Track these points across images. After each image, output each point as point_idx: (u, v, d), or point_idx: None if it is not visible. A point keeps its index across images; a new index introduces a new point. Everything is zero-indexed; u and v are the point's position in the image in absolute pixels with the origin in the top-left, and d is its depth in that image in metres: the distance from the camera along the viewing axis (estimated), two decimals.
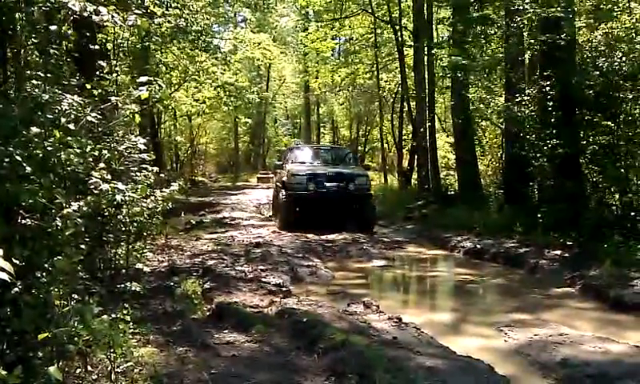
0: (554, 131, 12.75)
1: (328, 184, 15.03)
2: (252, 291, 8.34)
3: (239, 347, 5.70)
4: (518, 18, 14.29)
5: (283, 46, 37.76)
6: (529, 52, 14.83)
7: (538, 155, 13.14)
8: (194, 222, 14.37)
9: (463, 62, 15.35)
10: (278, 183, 16.60)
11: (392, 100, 30.25)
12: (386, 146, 34.65)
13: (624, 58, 12.14)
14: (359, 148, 44.44)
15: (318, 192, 14.88)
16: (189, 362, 5.03)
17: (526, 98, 13.76)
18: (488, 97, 18.18)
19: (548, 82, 12.83)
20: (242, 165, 41.02)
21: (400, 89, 25.82)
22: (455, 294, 9.07)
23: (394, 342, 6.11)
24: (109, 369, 4.45)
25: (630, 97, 12.36)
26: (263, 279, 9.09)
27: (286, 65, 42.06)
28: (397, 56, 24.80)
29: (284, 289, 8.68)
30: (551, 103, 12.82)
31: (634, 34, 12.65)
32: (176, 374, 4.70)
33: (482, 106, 17.78)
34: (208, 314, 7.11)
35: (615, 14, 13.01)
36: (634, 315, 7.79)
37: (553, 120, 12.89)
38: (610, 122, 12.53)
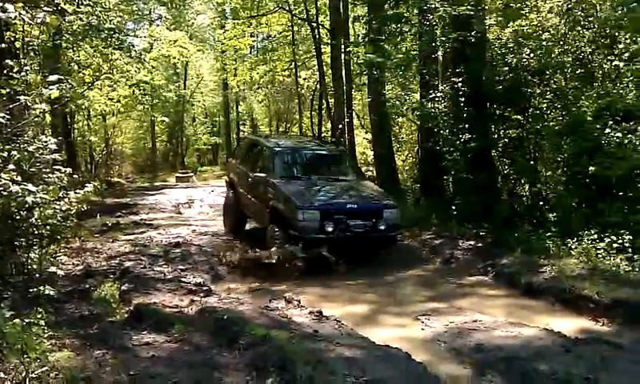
0: (467, 126, 13.16)
1: (352, 223, 10.46)
2: (171, 291, 8.26)
3: (159, 347, 5.64)
4: (431, 16, 14.64)
5: (200, 44, 37.18)
6: (441, 49, 15.19)
7: (452, 149, 13.51)
8: (110, 224, 14.02)
9: (378, 59, 15.57)
10: (253, 197, 12.30)
11: (311, 97, 30.40)
12: None
13: (531, 55, 12.67)
14: None
15: (339, 237, 10.32)
16: (106, 365, 4.94)
17: (439, 94, 14.13)
18: (403, 93, 18.55)
19: (460, 79, 13.21)
20: (160, 165, 40.24)
21: (318, 86, 25.99)
22: (374, 286, 9.23)
23: (315, 335, 6.20)
24: (23, 374, 4.33)
25: (538, 91, 12.93)
26: (183, 279, 9.01)
27: (203, 63, 41.55)
28: (314, 53, 24.94)
29: (204, 288, 8.62)
30: (463, 99, 13.20)
31: (540, 32, 13.21)
32: (93, 377, 4.61)
33: (397, 102, 18.12)
34: (126, 316, 6.99)
35: (524, 12, 13.51)
36: (544, 300, 8.18)
37: (465, 115, 13.29)
38: (519, 116, 13.07)
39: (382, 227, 10.60)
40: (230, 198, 13.95)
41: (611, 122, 10.59)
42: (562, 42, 13.12)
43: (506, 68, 12.67)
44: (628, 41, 12.30)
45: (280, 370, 4.95)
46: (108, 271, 9.31)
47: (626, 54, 11.95)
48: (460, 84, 13.22)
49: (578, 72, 12.70)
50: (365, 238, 10.59)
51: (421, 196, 16.15)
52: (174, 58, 29.18)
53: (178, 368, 5.03)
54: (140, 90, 24.10)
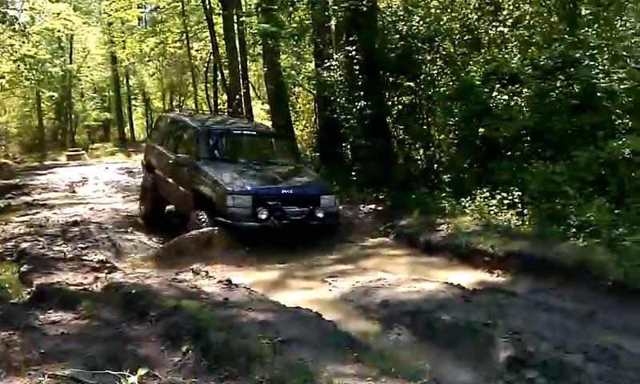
0: (362, 94, 13.46)
1: (288, 210, 9.64)
2: (74, 270, 8.05)
3: (67, 325, 5.53)
4: None
5: (86, 16, 35.70)
6: (334, 18, 15.36)
7: (349, 117, 13.79)
8: (1, 206, 13.41)
9: (272, 29, 15.59)
10: (174, 181, 11.27)
11: (205, 69, 29.96)
12: None
13: (421, 22, 13.06)
14: None
15: (274, 225, 9.47)
16: (14, 345, 4.81)
17: (333, 63, 14.33)
18: (299, 63, 18.68)
19: (353, 47, 13.46)
20: (49, 143, 38.48)
21: (212, 57, 25.64)
22: (277, 253, 9.34)
23: (226, 302, 6.27)
24: None
25: (429, 58, 13.37)
26: (85, 257, 8.80)
27: (89, 36, 39.85)
28: (207, 24, 24.55)
29: (108, 264, 8.46)
30: (357, 67, 13.47)
31: (429, 0, 13.65)
32: (2, 358, 4.48)
33: (293, 72, 18.21)
34: (29, 296, 6.77)
35: None
36: (442, 256, 8.64)
37: (360, 83, 13.59)
38: (411, 83, 13.47)
39: (320, 215, 9.79)
40: (147, 182, 12.79)
41: (498, 86, 11.15)
42: (449, 10, 13.65)
43: (397, 36, 13.02)
44: (511, 7, 12.94)
45: (194, 337, 4.98)
46: (4, 254, 8.96)
47: (510, 21, 12.57)
48: (354, 52, 13.46)
49: (465, 38, 13.24)
50: (302, 225, 9.73)
51: (321, 164, 16.37)
52: (58, 31, 27.93)
53: (91, 343, 4.95)
54: (25, 65, 22.95)
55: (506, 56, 12.08)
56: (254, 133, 12.47)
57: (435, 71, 13.35)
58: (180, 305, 5.80)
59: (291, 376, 4.15)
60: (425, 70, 13.33)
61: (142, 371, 3.75)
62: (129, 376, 3.60)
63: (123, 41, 35.08)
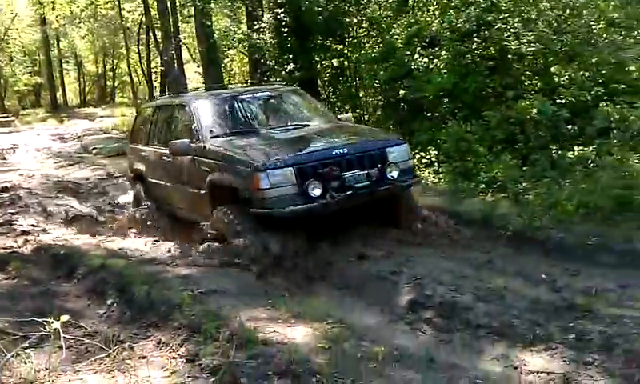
0: (291, 56, 13.72)
1: (349, 177, 6.83)
2: (3, 234, 8.22)
3: None
4: None
5: None
6: None
7: (279, 80, 14.03)
8: None
9: None
10: (178, 183, 8.20)
11: (137, 31, 29.56)
12: (135, 79, 33.95)
13: None
14: (108, 83, 42.90)
15: (334, 200, 6.61)
16: None
17: (263, 25, 14.52)
18: (232, 25, 18.74)
19: (282, 10, 13.67)
20: None
21: (144, 18, 25.35)
22: None
23: (152, 259, 6.59)
24: None
25: (355, 21, 13.73)
26: (15, 222, 8.92)
27: None
28: None
29: (38, 228, 8.62)
30: (286, 29, 13.72)
31: None
32: None
33: (224, 33, 18.28)
34: None
35: None
36: None
37: (289, 45, 13.84)
38: (339, 46, 13.82)
39: (395, 173, 7.00)
40: (140, 198, 9.44)
41: (419, 49, 11.62)
42: None
43: None
44: None
45: (119, 291, 5.32)
46: None
47: None
48: (282, 15, 13.68)
49: (390, 1, 13.63)
50: (372, 193, 6.94)
51: None
52: None
53: (19, 300, 5.24)
54: None
55: (428, 19, 12.53)
56: (270, 93, 9.23)
57: (362, 34, 13.72)
58: (106, 263, 6.10)
59: (207, 321, 4.54)
60: (352, 33, 13.70)
61: (64, 318, 4.05)
62: (52, 322, 3.89)
63: (52, 1, 34.14)
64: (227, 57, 20.49)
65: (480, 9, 10.47)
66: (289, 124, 8.20)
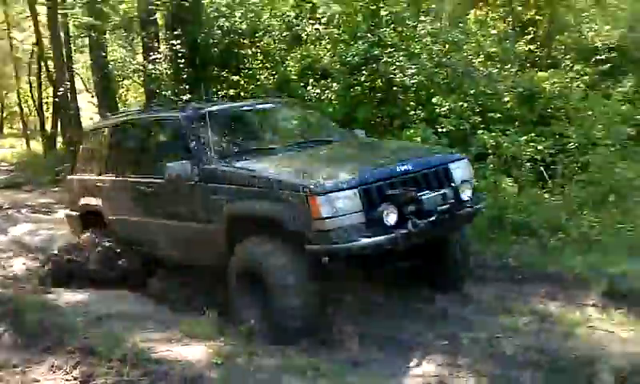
0: (187, 87, 13.85)
1: (427, 198, 5.48)
2: None
3: None
4: None
5: None
6: (159, 12, 15.57)
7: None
8: None
9: (95, 22, 15.57)
10: (169, 219, 6.62)
11: (28, 61, 28.71)
12: (26, 109, 32.92)
13: (242, 19, 13.71)
14: None
15: (417, 228, 5.23)
16: None
17: (159, 56, 14.59)
18: (127, 55, 18.61)
19: (178, 41, 13.82)
20: None
21: (36, 48, 24.72)
22: None
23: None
24: None
25: (250, 53, 14.05)
26: None
27: None
28: (30, 14, 23.65)
29: None
30: (183, 61, 13.86)
31: None
32: None
33: (120, 64, 18.16)
34: None
35: None
36: None
37: (186, 76, 13.97)
38: (235, 77, 14.08)
39: (468, 193, 5.79)
40: (98, 248, 7.40)
41: (312, 80, 12.07)
42: (269, 7, 14.40)
43: (220, 31, 13.58)
44: (326, 6, 13.91)
45: (12, 319, 5.34)
46: None
47: (324, 19, 13.53)
48: (179, 46, 13.83)
49: (284, 35, 14.06)
50: (452, 219, 5.60)
51: None
52: None
53: None
54: None
55: (320, 52, 13.02)
56: (270, 106, 7.91)
57: (257, 66, 14.04)
58: None
59: (101, 343, 4.64)
60: (247, 64, 14.00)
61: None
62: None
63: None
64: (122, 87, 20.31)
65: (367, 43, 11.03)
66: (308, 140, 6.94)
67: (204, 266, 6.44)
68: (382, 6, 11.60)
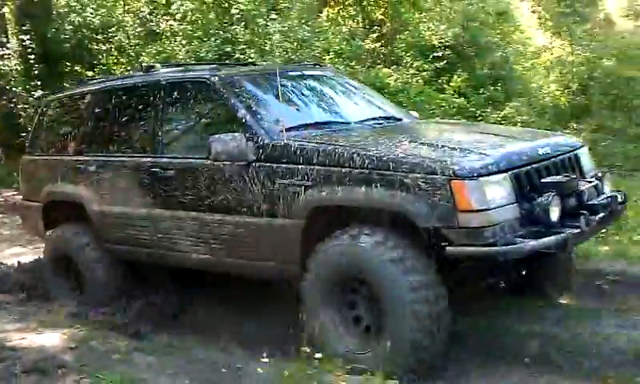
0: (39, 83, 13.57)
1: (588, 190, 4.32)
2: None
3: None
4: None
5: None
6: (7, 6, 15.10)
7: (26, 106, 13.76)
8: None
9: None
10: (194, 210, 5.09)
11: None
12: None
13: (94, 14, 13.63)
14: None
15: (589, 225, 4.06)
16: None
17: (7, 51, 14.17)
18: None
19: (27, 36, 13.51)
20: None
21: None
22: None
23: None
24: None
25: (104, 48, 14.01)
26: None
27: None
28: None
29: None
30: (33, 56, 13.57)
31: None
32: None
33: None
34: None
35: None
36: None
37: (37, 72, 13.69)
38: (90, 72, 13.96)
39: (609, 187, 4.75)
40: (78, 248, 6.03)
41: None
42: (123, 3, 14.41)
43: (71, 27, 13.43)
44: (180, 2, 14.09)
45: None
46: None
47: (179, 15, 13.71)
48: (28, 42, 13.51)
49: (139, 30, 14.11)
50: (612, 215, 4.57)
51: (2, 155, 15.96)
52: None
53: None
54: None
55: (175, 48, 13.19)
56: (323, 73, 6.33)
57: (112, 61, 14.01)
58: None
59: None
60: (102, 59, 13.94)
61: None
62: None
63: None
64: None
65: (220, 40, 11.40)
66: (378, 116, 5.59)
67: (255, 272, 5.04)
68: (232, 3, 12.00)
